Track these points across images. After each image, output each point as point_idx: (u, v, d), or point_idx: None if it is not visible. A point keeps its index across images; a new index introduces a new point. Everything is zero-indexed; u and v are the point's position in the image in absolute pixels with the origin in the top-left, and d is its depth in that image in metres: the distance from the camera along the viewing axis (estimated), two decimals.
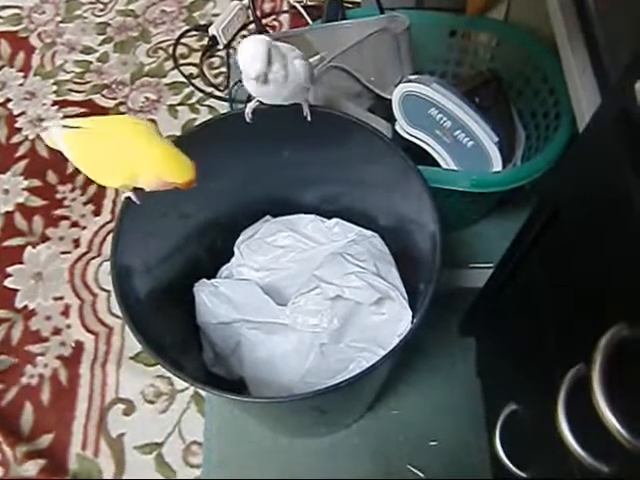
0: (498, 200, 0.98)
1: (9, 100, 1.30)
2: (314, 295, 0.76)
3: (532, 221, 0.64)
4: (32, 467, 0.87)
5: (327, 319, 0.75)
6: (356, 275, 0.74)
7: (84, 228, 1.12)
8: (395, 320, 0.73)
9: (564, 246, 0.57)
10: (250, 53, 0.59)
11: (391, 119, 0.91)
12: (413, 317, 0.70)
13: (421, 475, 0.86)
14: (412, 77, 0.88)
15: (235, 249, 0.87)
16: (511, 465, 0.63)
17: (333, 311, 0.75)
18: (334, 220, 0.87)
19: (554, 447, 0.49)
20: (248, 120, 0.69)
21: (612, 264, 0.46)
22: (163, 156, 0.57)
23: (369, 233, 0.83)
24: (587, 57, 0.58)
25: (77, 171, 1.17)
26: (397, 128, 0.91)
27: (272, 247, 0.86)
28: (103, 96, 1.29)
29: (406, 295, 0.74)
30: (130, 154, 0.57)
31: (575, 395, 0.45)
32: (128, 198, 0.63)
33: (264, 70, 0.59)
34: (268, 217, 0.88)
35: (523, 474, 0.61)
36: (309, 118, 0.70)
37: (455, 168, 0.88)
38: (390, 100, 0.89)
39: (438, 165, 0.90)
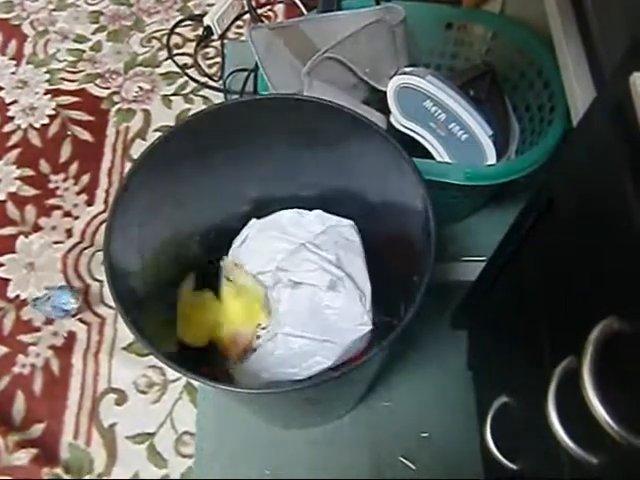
0: (491, 194, 0.98)
1: (1, 88, 1.28)
2: (278, 286, 0.77)
3: (525, 214, 0.64)
4: (24, 456, 0.87)
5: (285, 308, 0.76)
6: (311, 262, 0.75)
7: (77, 218, 1.11)
8: (347, 309, 0.73)
9: (557, 240, 0.57)
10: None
11: (386, 111, 0.91)
12: (385, 309, 0.71)
13: (412, 467, 0.86)
14: (407, 69, 0.88)
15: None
16: (501, 457, 0.63)
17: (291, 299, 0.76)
18: (315, 212, 0.86)
19: (544, 439, 0.49)
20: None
21: (604, 257, 0.46)
22: None
23: (345, 222, 0.83)
24: (582, 50, 0.58)
25: (70, 161, 1.19)
26: (391, 120, 0.91)
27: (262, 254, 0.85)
28: (96, 85, 1.28)
29: (368, 286, 0.75)
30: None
31: (565, 388, 0.45)
32: None
33: None
34: (254, 220, 0.87)
35: (513, 466, 0.62)
36: None
37: (449, 161, 0.88)
38: (385, 92, 0.89)
39: (432, 158, 0.90)
